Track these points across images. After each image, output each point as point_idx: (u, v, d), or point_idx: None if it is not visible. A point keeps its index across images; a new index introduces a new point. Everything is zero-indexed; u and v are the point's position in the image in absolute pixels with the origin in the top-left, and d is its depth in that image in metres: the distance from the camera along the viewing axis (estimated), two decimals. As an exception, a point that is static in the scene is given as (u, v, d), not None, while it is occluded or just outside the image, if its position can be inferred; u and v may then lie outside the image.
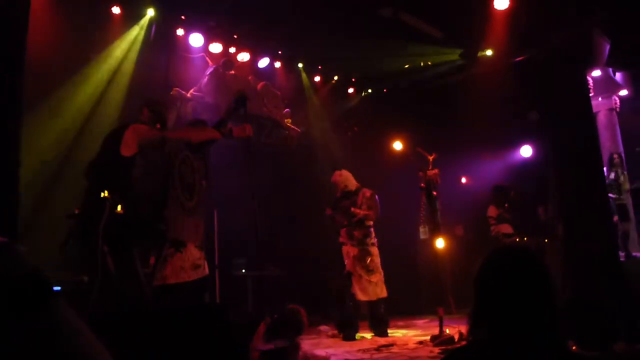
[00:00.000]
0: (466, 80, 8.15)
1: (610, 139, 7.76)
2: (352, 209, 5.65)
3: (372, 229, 5.75)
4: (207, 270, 4.08)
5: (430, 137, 7.54)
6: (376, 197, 5.76)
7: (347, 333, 5.46)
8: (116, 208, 3.28)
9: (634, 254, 7.17)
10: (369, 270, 5.58)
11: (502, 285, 1.50)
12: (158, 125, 3.85)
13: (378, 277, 5.62)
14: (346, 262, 5.62)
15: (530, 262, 1.53)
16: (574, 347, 3.35)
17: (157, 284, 3.80)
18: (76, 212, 3.54)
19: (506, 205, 6.95)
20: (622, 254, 6.67)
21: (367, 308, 5.71)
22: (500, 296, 1.49)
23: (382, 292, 5.61)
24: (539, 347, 1.42)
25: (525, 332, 1.43)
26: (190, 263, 3.88)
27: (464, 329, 4.85)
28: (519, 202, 7.20)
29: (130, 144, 3.56)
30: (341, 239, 5.73)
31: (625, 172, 7.40)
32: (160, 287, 3.79)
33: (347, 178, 5.82)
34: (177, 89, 6.73)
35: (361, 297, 5.52)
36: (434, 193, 5.01)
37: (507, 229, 6.92)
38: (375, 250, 5.72)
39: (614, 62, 7.13)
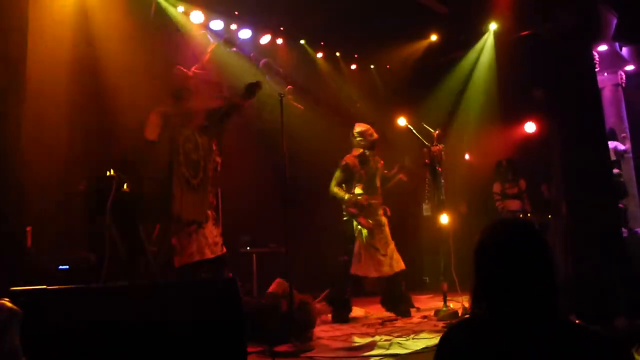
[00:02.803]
0: (470, 56, 8.10)
1: (615, 115, 7.70)
2: (366, 200, 5.23)
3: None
4: (225, 249, 4.21)
5: (434, 112, 7.53)
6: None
7: (338, 313, 5.10)
8: (122, 186, 3.31)
9: (636, 229, 7.18)
10: (384, 243, 5.21)
11: (501, 259, 1.50)
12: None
13: (392, 247, 5.24)
14: (356, 235, 5.22)
15: (529, 235, 1.52)
16: (576, 322, 3.38)
17: (185, 261, 3.95)
18: (81, 188, 3.57)
19: (510, 177, 7.01)
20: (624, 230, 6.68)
21: (385, 285, 5.27)
22: (499, 270, 1.49)
23: (399, 264, 5.19)
24: (539, 322, 1.43)
25: (525, 307, 1.44)
26: (211, 240, 4.02)
27: (467, 303, 4.91)
28: (515, 173, 7.19)
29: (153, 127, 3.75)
30: (352, 210, 5.23)
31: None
32: (189, 264, 3.93)
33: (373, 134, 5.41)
34: (179, 67, 6.68)
35: (376, 273, 5.09)
36: (439, 169, 4.99)
37: (513, 205, 6.98)
38: (385, 220, 5.38)
39: (620, 36, 7.03)
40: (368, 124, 5.51)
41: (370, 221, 5.19)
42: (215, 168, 4.25)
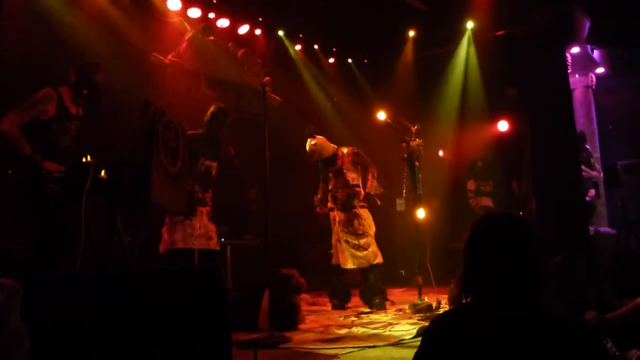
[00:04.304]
0: (446, 53, 8.20)
1: (585, 116, 7.90)
2: (339, 193, 5.41)
3: (360, 190, 5.46)
4: (218, 246, 4.29)
5: (411, 108, 7.59)
6: (359, 151, 5.52)
7: (336, 302, 5.34)
8: (100, 173, 3.22)
9: (599, 228, 7.41)
10: (358, 235, 5.29)
11: (491, 251, 1.52)
12: (85, 91, 3.84)
13: (369, 240, 5.30)
14: (333, 229, 5.44)
15: (519, 230, 1.54)
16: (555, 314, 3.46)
17: (167, 247, 4.14)
18: (55, 175, 3.47)
19: (484, 176, 7.19)
20: (592, 228, 6.89)
21: (361, 277, 5.40)
22: (489, 262, 1.51)
23: (375, 258, 5.26)
24: (522, 313, 1.45)
25: (510, 299, 1.46)
26: (202, 232, 4.10)
27: (442, 297, 4.98)
28: (489, 173, 7.40)
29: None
30: (330, 204, 5.52)
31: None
32: (169, 250, 4.14)
33: (321, 146, 5.42)
34: (155, 54, 6.56)
35: (349, 264, 5.23)
36: (417, 164, 5.02)
37: (486, 201, 7.18)
38: (364, 212, 5.41)
39: (593, 39, 7.21)
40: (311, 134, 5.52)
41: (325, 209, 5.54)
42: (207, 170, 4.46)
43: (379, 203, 5.51)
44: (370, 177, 5.47)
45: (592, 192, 7.16)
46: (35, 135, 3.57)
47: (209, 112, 4.63)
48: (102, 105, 4.07)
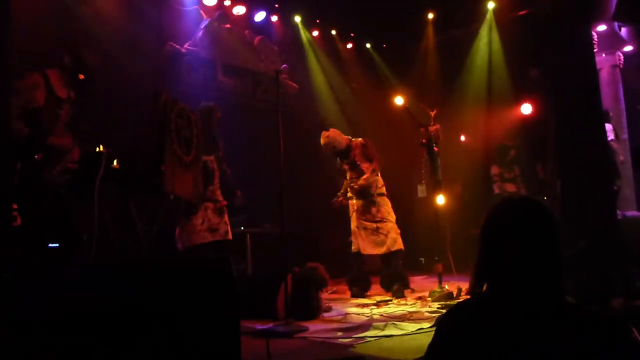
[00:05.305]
0: (467, 35, 8.02)
1: (612, 97, 7.63)
2: (354, 184, 5.38)
3: (377, 178, 5.40)
4: (229, 235, 4.35)
5: (432, 92, 7.47)
6: (368, 143, 5.45)
7: (355, 290, 5.32)
8: (112, 162, 3.22)
9: (626, 212, 7.20)
10: (376, 221, 5.29)
11: (510, 238, 1.45)
12: (81, 76, 3.59)
13: (389, 226, 5.27)
14: (352, 217, 5.43)
15: (540, 216, 1.47)
16: (574, 303, 3.36)
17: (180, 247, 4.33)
18: (69, 166, 3.47)
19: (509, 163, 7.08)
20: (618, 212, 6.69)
21: (381, 264, 5.38)
22: (507, 250, 1.44)
23: (395, 244, 5.21)
24: (539, 302, 1.38)
25: (529, 288, 1.40)
26: (204, 227, 4.30)
27: (462, 285, 4.88)
28: (520, 161, 7.27)
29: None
30: (349, 194, 5.52)
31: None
32: (184, 249, 4.31)
33: (334, 138, 5.37)
34: (172, 43, 6.55)
35: (369, 250, 5.25)
36: (436, 149, 4.92)
37: (510, 187, 7.06)
38: (382, 199, 5.38)
39: (620, 16, 6.93)
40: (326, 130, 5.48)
41: (342, 200, 5.49)
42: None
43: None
44: (370, 171, 5.37)
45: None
46: (29, 125, 3.36)
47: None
48: (94, 88, 3.88)
